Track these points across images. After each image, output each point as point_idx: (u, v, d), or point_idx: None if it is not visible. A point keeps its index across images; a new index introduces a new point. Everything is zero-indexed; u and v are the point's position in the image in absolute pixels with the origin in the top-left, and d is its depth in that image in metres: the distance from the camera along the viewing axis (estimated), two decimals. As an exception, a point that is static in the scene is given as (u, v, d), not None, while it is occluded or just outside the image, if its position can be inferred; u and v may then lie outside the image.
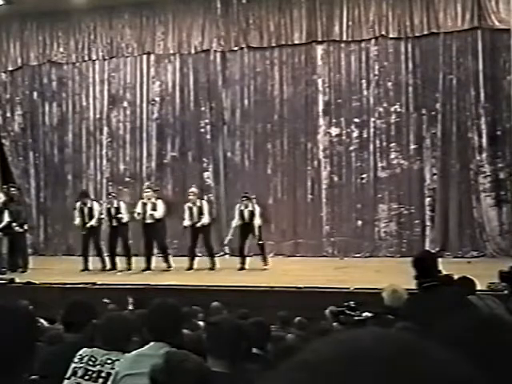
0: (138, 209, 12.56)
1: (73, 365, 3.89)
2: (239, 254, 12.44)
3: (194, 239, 12.59)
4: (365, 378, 0.60)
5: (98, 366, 3.82)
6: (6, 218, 12.90)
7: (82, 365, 3.86)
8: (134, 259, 12.71)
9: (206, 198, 13.76)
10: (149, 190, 12.86)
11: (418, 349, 0.64)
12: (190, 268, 12.41)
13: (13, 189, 13.96)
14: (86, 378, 3.81)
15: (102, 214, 12.86)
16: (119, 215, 12.60)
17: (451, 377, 0.62)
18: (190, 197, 12.59)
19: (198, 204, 12.51)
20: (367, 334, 0.65)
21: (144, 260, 12.52)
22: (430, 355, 0.64)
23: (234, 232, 12.49)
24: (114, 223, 12.70)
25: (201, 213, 12.43)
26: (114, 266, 12.64)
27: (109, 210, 12.76)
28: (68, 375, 3.87)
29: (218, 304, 8.02)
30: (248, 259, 12.53)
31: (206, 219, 12.42)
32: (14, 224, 12.94)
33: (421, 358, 0.63)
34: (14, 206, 13.39)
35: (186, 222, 12.46)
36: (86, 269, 12.68)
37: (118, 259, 12.71)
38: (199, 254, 13.20)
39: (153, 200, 12.56)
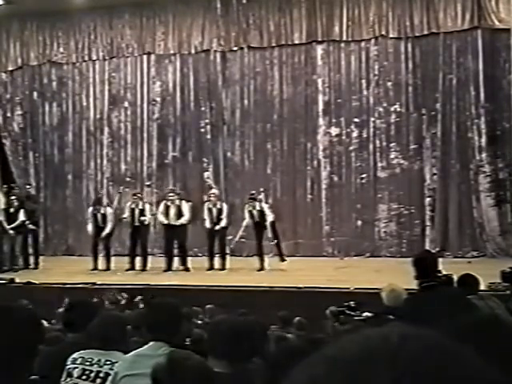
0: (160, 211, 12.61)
1: (66, 367, 3.88)
2: (257, 254, 12.35)
3: (211, 240, 12.52)
4: (389, 375, 0.60)
5: (96, 366, 3.81)
6: (22, 217, 12.98)
7: (76, 366, 3.85)
8: (131, 260, 12.72)
9: (205, 197, 13.73)
10: (172, 193, 12.80)
11: (443, 348, 0.64)
12: (211, 268, 12.34)
13: (28, 186, 14.44)
14: (84, 377, 3.80)
15: (125, 216, 12.81)
16: (142, 217, 12.54)
17: (475, 377, 0.62)
18: (212, 198, 12.57)
19: (218, 206, 12.47)
20: (393, 331, 0.65)
21: (165, 261, 12.47)
22: (456, 355, 0.64)
23: (245, 232, 12.45)
24: (137, 223, 12.63)
25: (220, 214, 12.38)
26: (133, 267, 12.60)
27: (133, 210, 12.66)
28: (63, 378, 3.86)
29: (212, 306, 8.01)
30: (249, 259, 12.50)
31: (224, 222, 12.38)
32: (27, 222, 13.04)
33: (446, 357, 0.63)
34: (30, 203, 13.51)
35: (208, 224, 12.41)
36: (95, 268, 12.66)
37: (113, 260, 12.75)
38: (199, 254, 13.20)
39: (177, 203, 12.52)
